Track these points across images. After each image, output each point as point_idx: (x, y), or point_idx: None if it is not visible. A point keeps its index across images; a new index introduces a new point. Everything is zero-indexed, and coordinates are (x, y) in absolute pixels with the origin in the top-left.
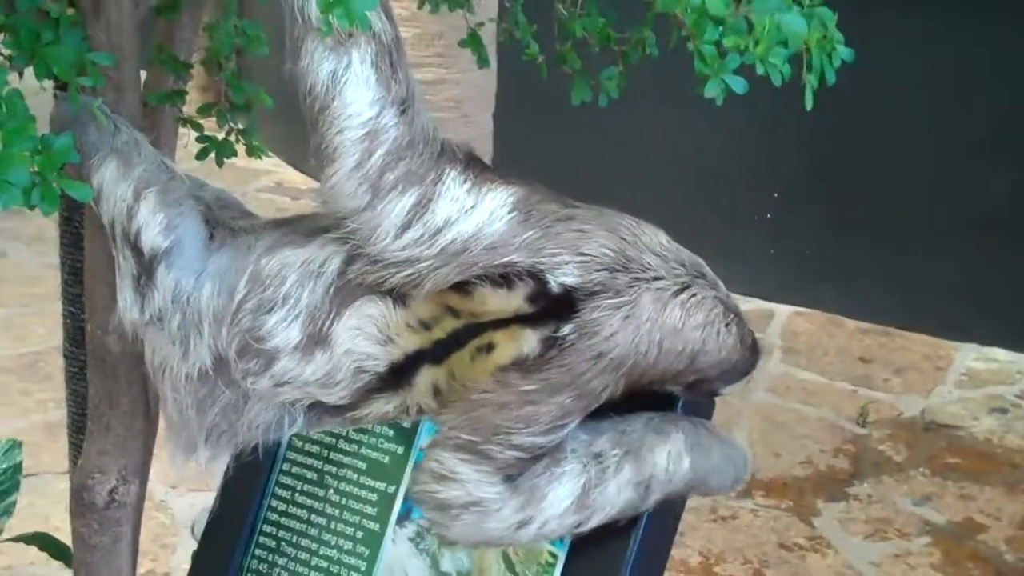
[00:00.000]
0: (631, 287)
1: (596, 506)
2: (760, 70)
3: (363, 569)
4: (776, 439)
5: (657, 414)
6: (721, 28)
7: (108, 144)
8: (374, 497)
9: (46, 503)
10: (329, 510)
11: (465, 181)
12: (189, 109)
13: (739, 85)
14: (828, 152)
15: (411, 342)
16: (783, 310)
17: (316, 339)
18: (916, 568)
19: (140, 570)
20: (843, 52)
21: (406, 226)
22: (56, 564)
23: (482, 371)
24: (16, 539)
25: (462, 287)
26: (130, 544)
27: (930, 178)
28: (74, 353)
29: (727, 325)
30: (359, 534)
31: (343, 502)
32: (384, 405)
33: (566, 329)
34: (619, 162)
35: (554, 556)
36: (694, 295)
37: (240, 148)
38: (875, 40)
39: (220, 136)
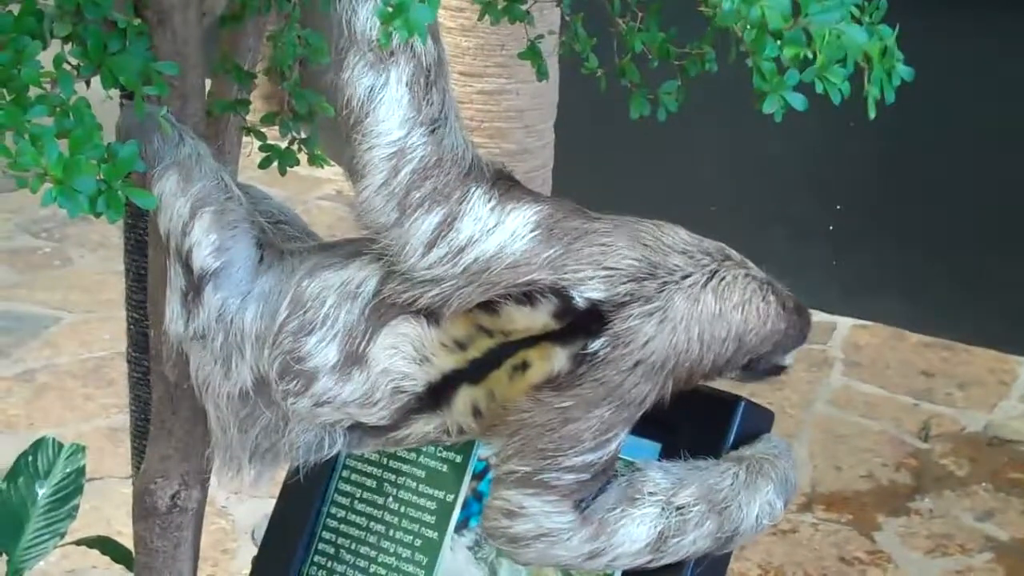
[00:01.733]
0: (661, 291)
1: (670, 551)
2: (819, 88)
3: None
4: (837, 452)
5: (743, 463)
6: (779, 43)
7: (172, 155)
8: (432, 505)
9: (109, 507)
10: (388, 517)
11: (490, 200)
12: (252, 118)
13: (799, 102)
14: (892, 164)
15: (447, 362)
16: (845, 323)
17: (353, 359)
18: None
19: (200, 575)
20: (903, 71)
21: (432, 244)
22: (118, 568)
23: (519, 390)
24: (79, 542)
25: (489, 306)
26: (191, 549)
27: (997, 191)
28: (137, 359)
29: (764, 297)
30: (417, 542)
31: (402, 510)
32: (424, 426)
33: (596, 344)
34: (681, 174)
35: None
36: (723, 279)
37: (302, 157)
38: (943, 50)
39: (283, 145)
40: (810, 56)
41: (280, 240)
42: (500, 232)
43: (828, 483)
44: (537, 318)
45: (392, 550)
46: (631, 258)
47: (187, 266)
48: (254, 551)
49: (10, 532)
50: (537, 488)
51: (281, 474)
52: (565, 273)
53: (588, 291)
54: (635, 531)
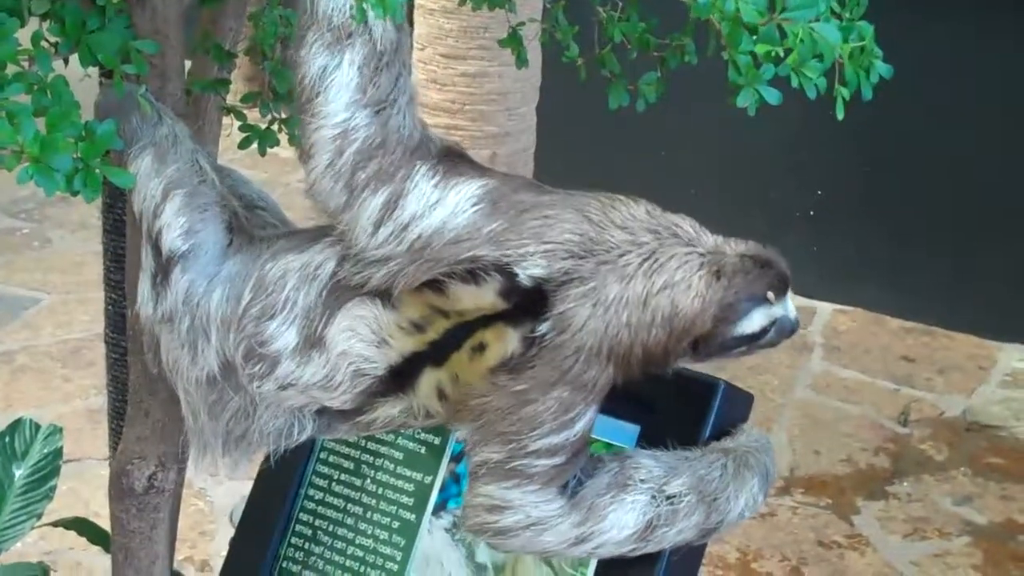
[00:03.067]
0: (596, 272)
1: (656, 540)
2: (795, 82)
3: (399, 559)
4: (816, 437)
5: (729, 455)
6: (754, 37)
7: (149, 135)
8: (410, 487)
9: (87, 489)
10: (365, 499)
11: (434, 176)
12: (233, 98)
13: (773, 96)
14: (872, 149)
15: (406, 344)
16: (825, 308)
17: (312, 342)
18: (956, 568)
19: (178, 556)
20: (881, 68)
21: (379, 224)
22: (95, 549)
23: (479, 373)
24: (56, 524)
25: (437, 285)
26: (168, 530)
27: (975, 177)
28: (115, 340)
29: (699, 273)
30: (395, 524)
31: (379, 492)
32: (390, 409)
33: (543, 327)
34: (661, 158)
35: None
36: (657, 260)
37: (283, 137)
38: (922, 37)
39: (263, 125)
40: (782, 53)
41: (253, 225)
42: (442, 207)
43: (807, 467)
44: (484, 296)
45: (370, 532)
46: (572, 232)
47: (157, 248)
48: (232, 533)
49: None
50: (515, 479)
51: (259, 456)
52: (507, 248)
53: (530, 267)
54: (624, 517)
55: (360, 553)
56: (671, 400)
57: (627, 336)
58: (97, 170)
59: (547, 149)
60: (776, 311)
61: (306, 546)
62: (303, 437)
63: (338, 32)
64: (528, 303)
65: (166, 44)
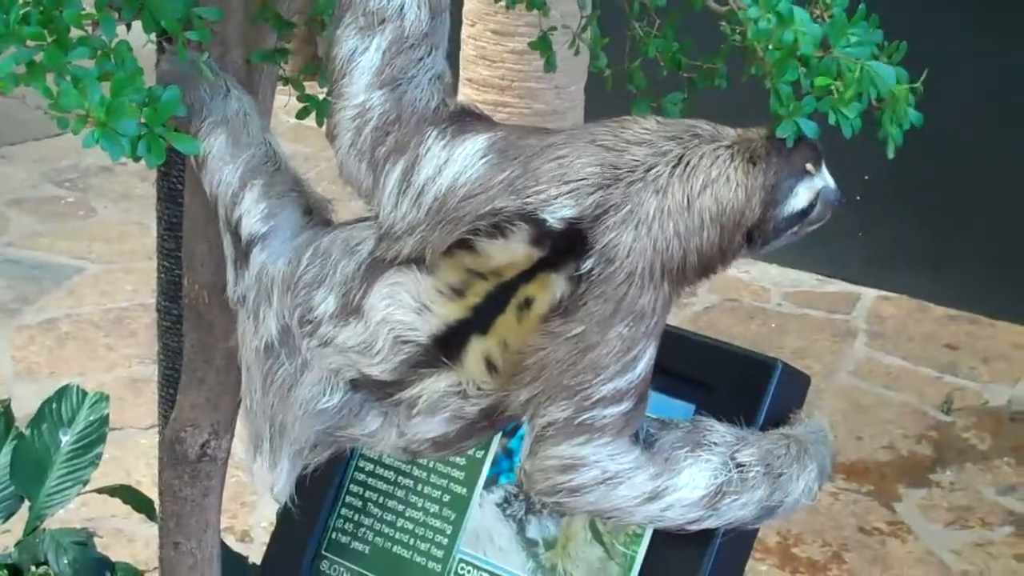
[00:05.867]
0: (627, 193)
1: (721, 512)
2: (832, 119)
3: (448, 532)
4: (859, 422)
5: (794, 436)
6: (803, 69)
7: (219, 110)
8: (462, 461)
9: (129, 457)
10: (416, 472)
11: (443, 137)
12: (290, 68)
13: (811, 129)
14: (921, 135)
15: (448, 311)
16: (869, 294)
17: (349, 310)
18: (998, 558)
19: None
20: (913, 116)
21: (400, 194)
22: (137, 517)
23: (530, 330)
24: (100, 491)
25: (466, 245)
26: (218, 498)
27: (1023, 166)
28: (167, 308)
29: (734, 164)
30: (446, 497)
31: (430, 465)
32: (436, 382)
33: (588, 263)
34: None
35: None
36: (688, 162)
37: None
38: (973, 29)
39: (321, 96)
40: (834, 88)
41: (326, 208)
42: (451, 165)
43: (849, 453)
44: (516, 249)
45: (420, 505)
46: (591, 164)
47: (236, 234)
48: (273, 505)
49: (33, 478)
50: (585, 433)
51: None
52: (528, 196)
53: (557, 210)
54: (699, 476)
55: (410, 526)
56: (727, 379)
57: (678, 246)
58: (161, 136)
59: None
60: (817, 182)
61: (356, 517)
62: (329, 403)
63: (371, 17)
64: (565, 245)
65: (228, 11)
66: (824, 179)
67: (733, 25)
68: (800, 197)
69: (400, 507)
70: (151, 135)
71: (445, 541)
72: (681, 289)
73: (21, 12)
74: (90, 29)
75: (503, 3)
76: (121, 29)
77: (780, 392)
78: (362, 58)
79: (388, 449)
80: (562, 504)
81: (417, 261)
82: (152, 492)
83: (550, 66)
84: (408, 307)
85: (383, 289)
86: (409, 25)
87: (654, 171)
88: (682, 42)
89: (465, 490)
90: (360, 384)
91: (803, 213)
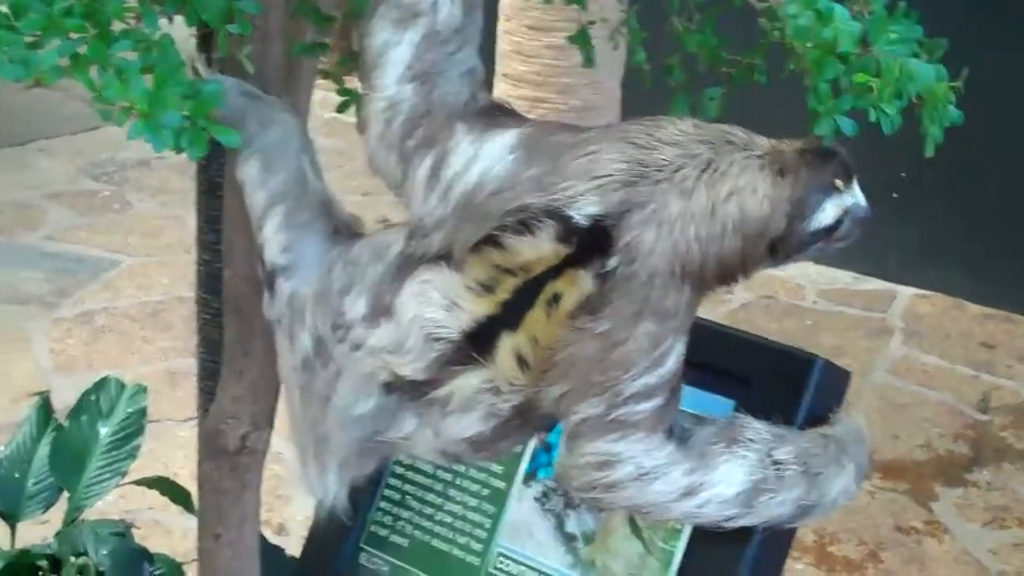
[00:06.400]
0: (653, 192)
1: (758, 510)
2: (872, 117)
3: (487, 526)
4: (895, 421)
5: (832, 435)
6: (842, 67)
7: (261, 140)
8: None
9: (165, 450)
10: (455, 466)
11: (470, 132)
12: (327, 62)
13: (849, 126)
14: (958, 133)
15: (477, 306)
16: (906, 292)
17: (381, 311)
18: None
19: None
20: (953, 114)
21: (429, 189)
22: (174, 509)
23: (558, 326)
24: (139, 482)
25: (494, 241)
26: (257, 490)
27: None
28: (207, 300)
29: (762, 174)
30: (484, 491)
31: None
32: (468, 379)
33: (613, 261)
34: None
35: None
36: (716, 168)
37: None
38: (1012, 23)
39: (360, 90)
40: (872, 85)
41: (355, 225)
42: (479, 161)
43: (885, 451)
44: (543, 245)
45: (458, 499)
46: (620, 161)
47: (262, 259)
48: (309, 499)
49: (72, 469)
50: (619, 430)
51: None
52: (554, 192)
53: (584, 207)
54: (735, 472)
55: (448, 519)
56: (767, 375)
57: (698, 250)
58: (203, 128)
59: None
60: (846, 199)
61: (394, 510)
62: (366, 408)
63: (405, 10)
64: (592, 242)
65: (269, 5)
66: (854, 196)
67: (773, 21)
68: (827, 213)
69: (439, 500)
70: (194, 127)
71: (484, 535)
72: (703, 293)
73: (64, 4)
74: (132, 22)
75: (561, 2)
76: (163, 22)
77: (820, 388)
78: (394, 51)
79: (426, 452)
80: (598, 500)
81: (446, 257)
82: (189, 484)
83: (588, 61)
84: (438, 304)
85: (413, 287)
86: (442, 20)
87: (681, 172)
88: (721, 37)
89: (504, 484)
90: (394, 386)
91: (829, 229)
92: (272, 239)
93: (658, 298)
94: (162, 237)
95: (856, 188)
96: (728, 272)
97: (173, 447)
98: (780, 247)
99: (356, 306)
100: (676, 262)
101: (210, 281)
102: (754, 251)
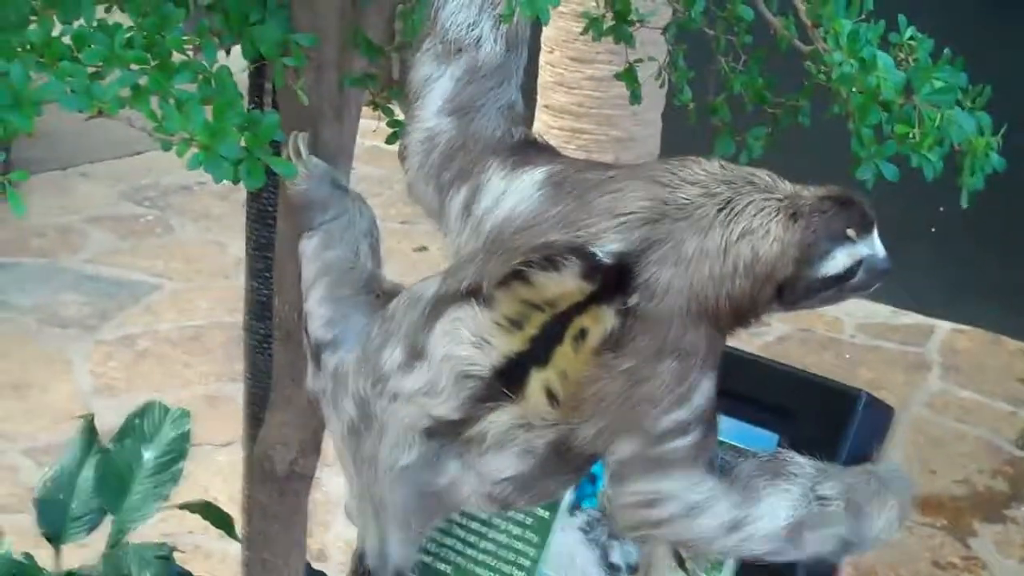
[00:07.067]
0: (672, 230)
1: (801, 544)
2: (914, 162)
3: (531, 555)
4: (933, 456)
5: (875, 471)
6: (885, 114)
7: (327, 225)
8: None
9: (205, 474)
10: (508, 512)
11: (503, 167)
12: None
13: (891, 172)
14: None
15: (507, 343)
16: (943, 326)
17: (414, 354)
18: None
19: None
20: (995, 161)
21: (463, 222)
22: (214, 533)
23: (585, 362)
24: (182, 506)
25: (522, 276)
26: (304, 515)
27: None
28: (254, 327)
29: (775, 216)
30: (529, 520)
31: None
32: (501, 416)
33: (634, 298)
34: (783, 166)
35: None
36: (733, 208)
37: None
38: None
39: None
40: (914, 134)
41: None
42: (508, 197)
43: (923, 487)
44: (567, 282)
45: (503, 527)
46: (643, 199)
47: (307, 331)
48: (347, 524)
49: (116, 492)
50: (659, 468)
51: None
52: (579, 230)
53: (607, 244)
54: (779, 506)
55: (493, 548)
56: (811, 409)
57: (712, 289)
58: (261, 159)
59: (669, 155)
60: (861, 250)
61: (439, 538)
62: (410, 459)
63: (449, 45)
64: (615, 279)
65: (323, 37)
66: (871, 248)
67: (818, 64)
68: (836, 261)
69: (483, 529)
70: (251, 158)
71: (527, 563)
72: (722, 332)
73: (125, 36)
74: (191, 54)
75: (588, 34)
76: (220, 54)
77: (864, 422)
78: (436, 84)
79: (475, 499)
80: (646, 536)
81: (476, 294)
82: (228, 508)
83: (635, 98)
84: (468, 342)
85: (444, 326)
86: (484, 56)
87: (700, 211)
88: (766, 78)
89: (548, 513)
90: (433, 431)
91: (839, 278)
92: (315, 312)
93: (677, 336)
94: (203, 262)
95: (874, 239)
96: (740, 312)
97: (212, 471)
98: (788, 291)
99: (393, 356)
100: (691, 300)
101: (258, 308)
102: (762, 293)
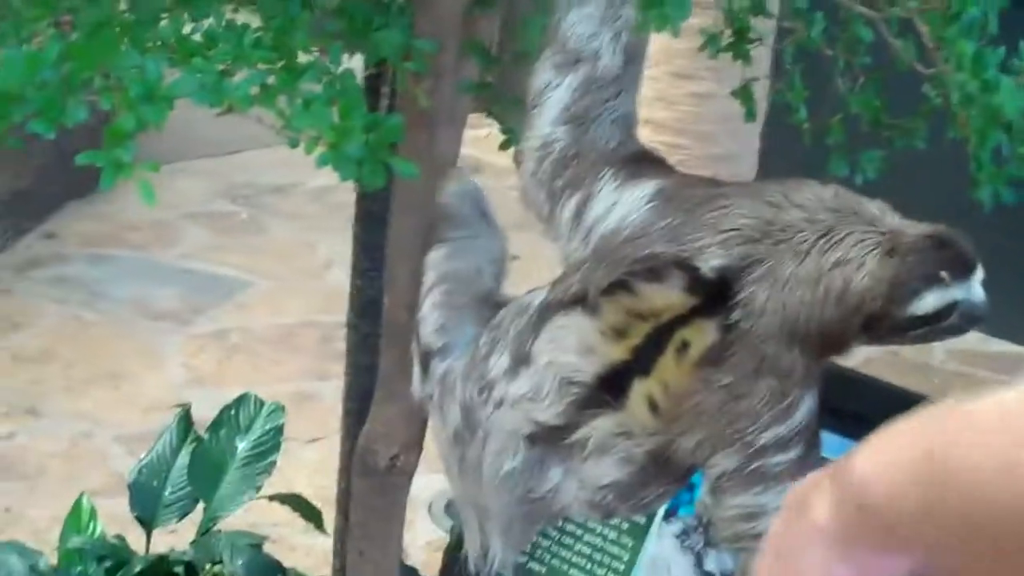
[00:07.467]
0: (771, 251)
1: None
2: None
3: (625, 559)
4: None
5: None
6: (1006, 136)
7: (461, 240)
8: None
9: (290, 469)
10: (610, 520)
11: (615, 179)
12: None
13: (1009, 195)
14: None
15: (610, 351)
16: None
17: (520, 359)
18: None
19: None
20: None
21: (573, 229)
22: (299, 526)
23: (686, 374)
24: (272, 498)
25: (626, 287)
26: (403, 510)
27: None
28: (357, 325)
29: (872, 251)
30: (624, 524)
31: None
32: (604, 422)
33: (735, 315)
34: (900, 191)
35: None
36: (832, 238)
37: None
38: None
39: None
40: None
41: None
42: (619, 208)
43: None
44: (670, 294)
45: (598, 531)
46: (748, 217)
47: (418, 336)
48: (430, 524)
49: (209, 481)
50: (761, 483)
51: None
52: (684, 243)
53: (710, 259)
54: None
55: (587, 550)
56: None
57: (803, 314)
58: (384, 159)
59: (768, 173)
60: (955, 293)
61: (534, 538)
62: (514, 464)
63: (569, 55)
64: (718, 294)
65: (443, 43)
66: (967, 292)
67: (938, 88)
68: (926, 302)
69: (579, 531)
70: (373, 158)
71: (622, 567)
72: (814, 358)
73: (253, 36)
74: (316, 54)
75: (706, 52)
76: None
77: None
78: (553, 93)
79: (577, 506)
80: (747, 549)
81: (581, 302)
82: (314, 503)
83: (751, 115)
84: (572, 349)
85: (549, 333)
86: (602, 67)
87: (800, 236)
88: (882, 99)
89: (644, 520)
90: (536, 437)
91: (929, 319)
92: (428, 318)
93: (774, 356)
94: (295, 261)
95: (972, 283)
96: (829, 340)
97: (297, 467)
98: (876, 327)
99: (499, 362)
100: (785, 323)
101: (362, 306)
102: (850, 324)
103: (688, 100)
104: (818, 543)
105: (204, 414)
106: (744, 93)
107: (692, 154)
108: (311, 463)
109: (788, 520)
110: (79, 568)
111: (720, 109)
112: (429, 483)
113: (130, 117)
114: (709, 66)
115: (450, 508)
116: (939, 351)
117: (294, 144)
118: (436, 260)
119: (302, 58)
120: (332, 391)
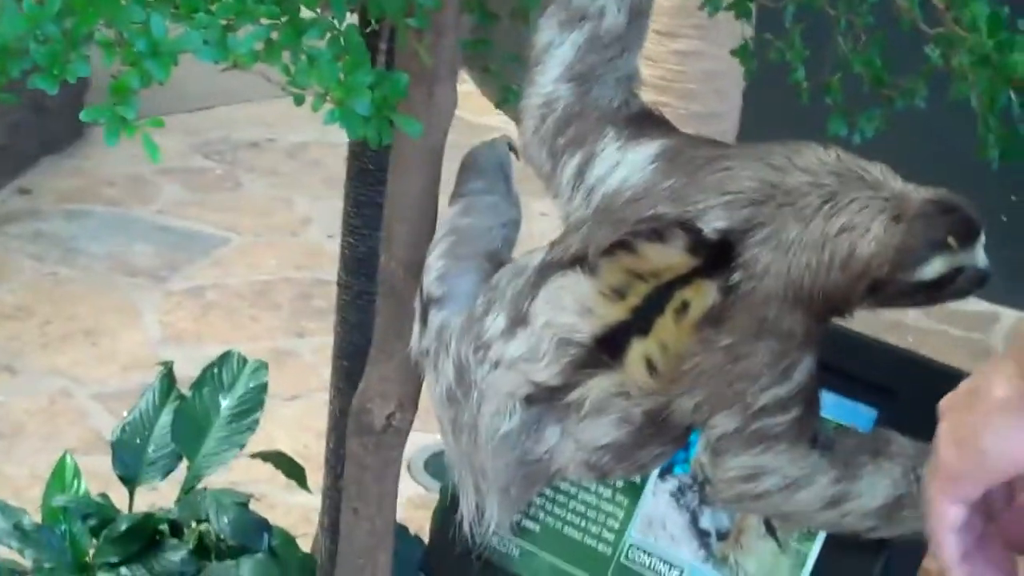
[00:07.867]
0: (775, 214)
1: (898, 523)
2: None
3: (620, 517)
4: None
5: None
6: (1013, 95)
7: (478, 195)
8: None
9: (271, 426)
10: (605, 481)
11: (618, 138)
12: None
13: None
14: None
15: (610, 312)
16: (1009, 314)
17: (517, 320)
18: None
19: None
20: None
21: (574, 189)
22: (280, 483)
23: (685, 334)
24: (255, 455)
25: (627, 246)
26: (398, 468)
27: None
28: (348, 282)
29: (878, 216)
30: (619, 483)
31: None
32: (602, 382)
33: (736, 276)
34: (860, 151)
35: None
36: (837, 202)
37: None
38: None
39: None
40: None
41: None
42: (622, 168)
43: None
44: (672, 255)
45: (593, 489)
46: (752, 180)
47: (421, 287)
48: (410, 481)
49: (193, 439)
50: (761, 442)
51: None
52: (687, 204)
53: (713, 220)
54: (879, 484)
55: (582, 508)
56: (911, 386)
57: (808, 279)
58: (390, 116)
59: (747, 134)
60: (961, 258)
61: (530, 500)
62: (511, 426)
63: (573, 13)
64: (719, 255)
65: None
66: (972, 257)
67: (943, 48)
68: (932, 267)
69: (573, 489)
70: (380, 115)
71: (617, 525)
72: (817, 320)
73: None
74: (319, 11)
75: (705, 9)
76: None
77: None
78: (557, 51)
79: (573, 466)
80: (746, 509)
81: (581, 262)
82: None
83: (750, 74)
84: (570, 309)
85: (547, 293)
86: (606, 25)
87: (804, 200)
88: (884, 59)
89: (639, 478)
90: (533, 398)
91: (934, 284)
92: (433, 266)
93: (775, 319)
94: (271, 217)
95: (977, 248)
96: (832, 304)
97: (276, 424)
98: (880, 291)
99: (496, 322)
100: (788, 286)
101: (353, 264)
102: (855, 289)
103: (671, 58)
104: (1000, 415)
105: (182, 371)
106: (744, 52)
107: (675, 112)
108: (289, 420)
109: (959, 412)
110: (63, 526)
111: (703, 67)
112: (411, 441)
113: (134, 73)
114: (693, 24)
115: (430, 465)
116: (912, 310)
117: (299, 101)
118: (448, 215)
119: (305, 14)
120: (310, 348)
